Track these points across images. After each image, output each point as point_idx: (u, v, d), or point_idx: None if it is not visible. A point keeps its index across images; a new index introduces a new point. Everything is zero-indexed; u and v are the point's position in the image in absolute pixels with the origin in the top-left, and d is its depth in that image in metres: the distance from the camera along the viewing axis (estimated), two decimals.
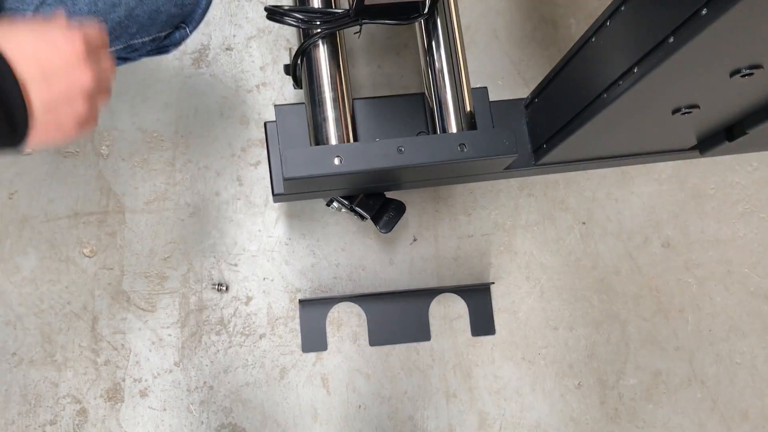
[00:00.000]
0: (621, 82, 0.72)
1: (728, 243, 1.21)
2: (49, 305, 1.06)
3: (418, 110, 1.00)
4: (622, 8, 0.70)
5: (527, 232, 1.18)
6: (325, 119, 0.92)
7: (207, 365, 1.08)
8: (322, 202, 1.05)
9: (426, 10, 0.90)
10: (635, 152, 1.02)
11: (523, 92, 1.22)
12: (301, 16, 0.91)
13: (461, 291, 1.14)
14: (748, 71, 0.67)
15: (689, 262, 1.20)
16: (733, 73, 0.68)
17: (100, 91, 0.57)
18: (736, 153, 1.04)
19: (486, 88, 1.00)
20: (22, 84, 0.49)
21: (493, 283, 1.15)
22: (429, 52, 0.97)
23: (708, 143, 0.96)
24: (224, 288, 1.10)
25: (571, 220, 1.19)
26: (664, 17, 0.63)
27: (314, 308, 1.11)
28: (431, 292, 1.13)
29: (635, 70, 0.69)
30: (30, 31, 0.52)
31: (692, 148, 1.01)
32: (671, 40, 0.62)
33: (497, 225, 1.18)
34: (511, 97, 1.21)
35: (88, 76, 0.54)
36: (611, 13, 0.73)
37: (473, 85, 1.13)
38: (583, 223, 1.19)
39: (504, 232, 1.17)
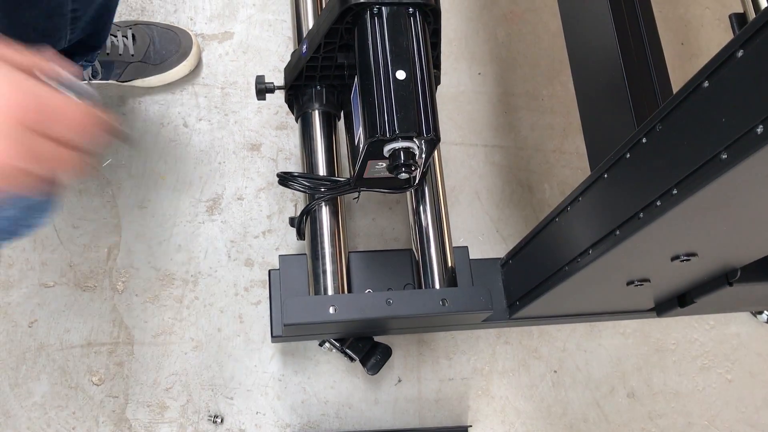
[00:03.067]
0: (579, 260, 0.85)
1: (689, 396, 1.31)
2: (56, 430, 1.13)
3: (405, 264, 1.13)
4: (579, 199, 0.84)
5: (503, 377, 1.27)
6: (324, 271, 1.03)
7: None
8: (315, 342, 1.15)
9: (416, 182, 1.04)
10: (600, 311, 1.14)
11: (501, 248, 1.35)
12: (308, 183, 1.05)
13: None
14: (685, 258, 0.80)
15: (653, 412, 1.29)
16: (673, 258, 0.81)
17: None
18: (689, 315, 1.16)
19: (467, 247, 1.13)
20: None
21: (471, 426, 1.23)
22: (417, 213, 1.11)
23: (663, 308, 1.08)
24: (219, 420, 1.17)
25: (543, 368, 1.29)
26: (611, 214, 0.76)
27: None
28: None
29: (590, 252, 0.82)
30: None
31: (651, 310, 1.13)
32: (617, 233, 0.75)
33: (476, 370, 1.27)
34: (490, 252, 1.35)
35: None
36: (570, 202, 0.87)
37: (456, 242, 1.26)
38: (555, 371, 1.29)
39: (482, 377, 1.27)
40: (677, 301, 1.05)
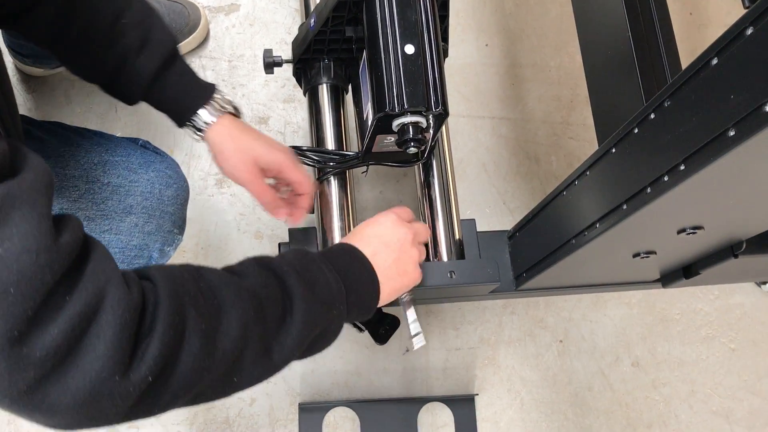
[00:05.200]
0: (586, 233, 0.86)
1: (692, 365, 1.33)
2: None
3: None
4: (587, 173, 0.85)
5: (510, 347, 1.29)
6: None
7: None
8: None
9: (424, 156, 1.05)
10: (606, 283, 1.15)
11: (508, 220, 1.36)
12: (316, 157, 1.05)
13: (448, 401, 1.24)
14: (691, 231, 0.81)
15: (657, 381, 1.31)
16: (679, 231, 0.82)
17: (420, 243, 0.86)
18: (694, 286, 1.17)
19: (474, 220, 1.14)
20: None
21: (477, 394, 1.25)
22: (425, 186, 1.12)
23: (668, 279, 1.09)
24: None
25: (549, 337, 1.31)
26: (618, 188, 0.77)
27: (312, 412, 1.21)
28: (420, 401, 1.23)
29: (597, 225, 0.82)
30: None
31: (656, 281, 1.14)
32: (624, 207, 0.76)
33: (482, 339, 1.29)
34: (497, 224, 1.36)
35: (415, 254, 0.84)
36: (578, 176, 0.87)
37: (463, 214, 1.27)
38: (561, 341, 1.31)
39: (488, 347, 1.29)
40: (682, 272, 1.06)
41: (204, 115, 0.86)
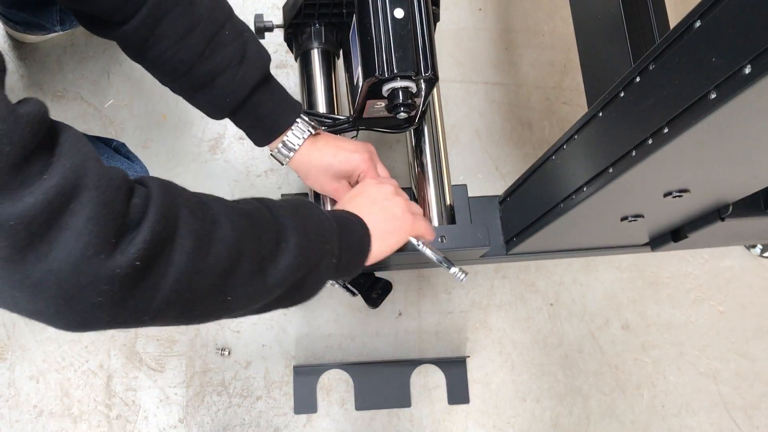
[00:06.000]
0: (574, 197, 0.87)
1: (681, 327, 1.35)
2: (69, 362, 1.18)
3: None
4: (575, 137, 0.86)
5: (501, 310, 1.31)
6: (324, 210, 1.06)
7: (208, 423, 1.19)
8: None
9: (415, 122, 1.05)
10: (595, 246, 1.17)
11: (501, 185, 1.37)
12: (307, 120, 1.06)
13: (440, 363, 1.26)
14: (677, 194, 0.82)
15: (646, 343, 1.33)
16: (666, 195, 0.83)
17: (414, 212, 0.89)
18: (683, 249, 1.18)
19: (465, 185, 1.15)
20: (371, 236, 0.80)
21: (469, 356, 1.27)
22: (416, 152, 1.12)
23: (657, 242, 1.11)
24: (227, 352, 1.22)
25: (540, 301, 1.33)
26: (605, 151, 0.78)
27: (307, 374, 1.23)
28: (413, 363, 1.25)
29: (584, 189, 0.83)
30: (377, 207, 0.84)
31: (645, 245, 1.15)
32: (611, 170, 0.77)
33: (474, 303, 1.31)
34: (489, 190, 1.37)
35: (401, 203, 0.86)
36: (566, 140, 0.88)
37: (455, 180, 1.28)
38: (551, 304, 1.33)
39: (480, 310, 1.31)
40: (671, 236, 1.07)
41: (291, 137, 0.89)
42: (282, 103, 0.89)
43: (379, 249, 0.83)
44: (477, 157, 1.38)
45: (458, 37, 1.44)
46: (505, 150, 1.39)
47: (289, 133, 0.89)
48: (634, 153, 0.71)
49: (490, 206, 1.17)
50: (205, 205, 0.61)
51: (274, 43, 1.36)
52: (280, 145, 0.90)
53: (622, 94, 0.73)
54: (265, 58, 0.86)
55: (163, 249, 0.54)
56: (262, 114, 0.88)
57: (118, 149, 0.95)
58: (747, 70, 0.52)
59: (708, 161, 0.72)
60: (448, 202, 1.11)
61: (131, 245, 0.51)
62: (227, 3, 0.84)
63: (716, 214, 0.94)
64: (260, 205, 0.69)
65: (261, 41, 1.30)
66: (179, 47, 0.79)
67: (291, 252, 0.66)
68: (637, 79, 0.70)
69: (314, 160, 0.92)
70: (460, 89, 1.41)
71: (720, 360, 1.34)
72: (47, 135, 0.50)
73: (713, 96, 0.57)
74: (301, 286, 0.70)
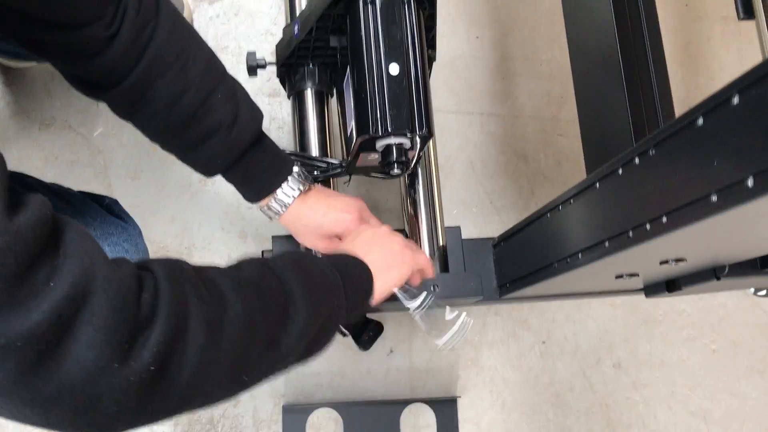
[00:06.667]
0: (569, 260, 0.85)
1: (673, 366, 1.34)
2: None
3: None
4: (571, 201, 0.84)
5: (493, 348, 1.30)
6: (316, 253, 1.04)
7: None
8: None
9: (409, 168, 1.03)
10: (589, 292, 1.15)
11: (495, 219, 1.36)
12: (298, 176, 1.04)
13: (430, 402, 1.25)
14: (674, 261, 0.81)
15: (637, 382, 1.33)
16: (662, 263, 0.82)
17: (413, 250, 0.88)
18: (677, 296, 1.17)
19: (459, 227, 1.13)
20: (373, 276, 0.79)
21: (460, 396, 1.26)
22: (409, 194, 1.10)
23: (651, 290, 1.09)
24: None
25: (532, 338, 1.32)
26: (601, 225, 0.76)
27: (296, 413, 1.22)
28: (403, 403, 1.24)
29: (579, 256, 0.82)
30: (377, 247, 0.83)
31: (639, 290, 1.14)
32: (606, 245, 0.75)
33: (466, 340, 1.30)
34: (483, 224, 1.35)
35: (398, 240, 0.85)
36: (562, 202, 0.86)
37: (450, 213, 1.27)
38: (543, 342, 1.32)
39: (472, 348, 1.30)
40: (665, 286, 1.06)
41: (281, 195, 0.88)
42: (274, 162, 0.87)
43: (383, 285, 0.82)
44: (471, 191, 1.36)
45: (454, 65, 1.42)
46: (499, 183, 1.38)
47: (279, 191, 0.88)
48: (631, 234, 0.70)
49: (483, 249, 1.15)
50: (212, 283, 0.59)
51: (267, 71, 1.33)
52: (271, 201, 0.89)
53: (620, 171, 0.72)
54: (257, 118, 0.84)
55: (176, 347, 0.52)
56: (254, 173, 0.86)
57: (111, 208, 0.93)
58: (750, 183, 0.51)
59: (707, 243, 0.71)
60: (441, 243, 1.10)
61: (144, 349, 0.49)
62: (220, 63, 0.81)
63: (712, 272, 0.93)
64: (264, 269, 0.66)
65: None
66: (170, 110, 0.77)
67: (301, 315, 0.65)
68: (637, 161, 0.68)
69: (304, 218, 0.90)
70: (456, 120, 1.39)
71: (711, 399, 1.34)
72: (51, 236, 0.47)
73: (714, 199, 0.55)
74: (312, 347, 0.70)
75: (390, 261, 0.83)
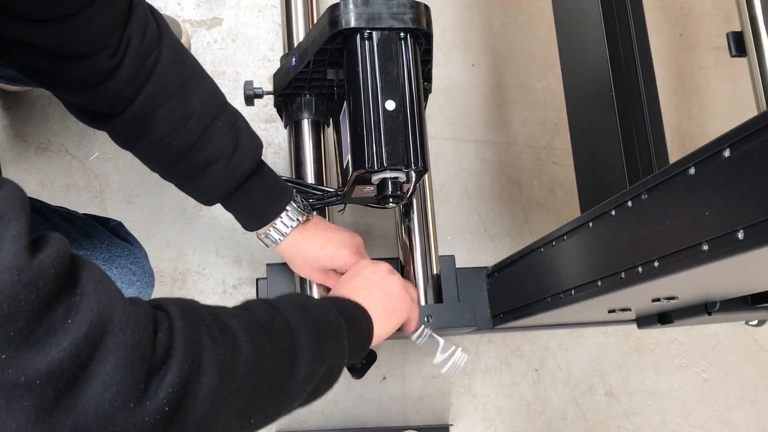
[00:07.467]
0: (562, 296, 0.86)
1: (665, 394, 1.35)
2: None
3: None
4: (565, 238, 0.85)
5: (485, 375, 1.31)
6: (311, 282, 1.04)
7: None
8: None
9: (403, 200, 1.04)
10: (582, 322, 1.16)
11: (488, 246, 1.36)
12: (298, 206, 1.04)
13: (423, 430, 1.25)
14: (666, 300, 0.82)
15: (629, 410, 1.33)
16: (654, 300, 0.83)
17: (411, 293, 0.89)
18: (669, 328, 1.18)
19: (453, 256, 1.14)
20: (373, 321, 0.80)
21: (452, 424, 1.26)
22: (403, 224, 1.11)
23: (643, 322, 1.10)
24: None
25: (525, 366, 1.32)
26: (594, 264, 0.77)
27: None
28: (396, 430, 1.24)
29: (572, 293, 0.83)
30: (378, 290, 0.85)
31: (631, 321, 1.15)
32: (599, 284, 0.76)
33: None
34: (477, 250, 1.36)
35: (397, 281, 0.87)
36: (556, 237, 0.87)
37: (444, 240, 1.27)
38: (536, 370, 1.32)
39: (465, 375, 1.30)
40: (657, 318, 1.07)
41: (280, 225, 0.89)
42: (273, 191, 0.88)
43: (381, 330, 0.83)
44: (466, 217, 1.37)
45: (450, 93, 1.43)
46: (494, 210, 1.38)
47: (278, 220, 0.88)
48: (623, 275, 0.71)
49: (478, 278, 1.16)
50: (224, 324, 0.59)
51: (265, 97, 1.34)
52: (270, 230, 0.89)
53: (613, 213, 0.72)
54: (257, 147, 0.85)
55: (190, 387, 0.52)
56: (253, 202, 0.87)
57: (116, 230, 0.94)
58: (740, 236, 0.52)
59: (698, 283, 0.72)
60: (435, 272, 1.10)
61: (160, 389, 0.49)
62: (221, 93, 0.82)
63: (703, 308, 0.94)
64: (273, 312, 0.66)
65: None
66: (171, 139, 0.77)
67: (308, 360, 0.65)
68: (629, 204, 0.69)
69: (300, 249, 0.90)
70: (451, 147, 1.40)
71: (702, 428, 1.34)
72: (69, 274, 0.47)
73: (705, 248, 0.56)
74: (316, 391, 0.71)
75: (389, 306, 0.85)
